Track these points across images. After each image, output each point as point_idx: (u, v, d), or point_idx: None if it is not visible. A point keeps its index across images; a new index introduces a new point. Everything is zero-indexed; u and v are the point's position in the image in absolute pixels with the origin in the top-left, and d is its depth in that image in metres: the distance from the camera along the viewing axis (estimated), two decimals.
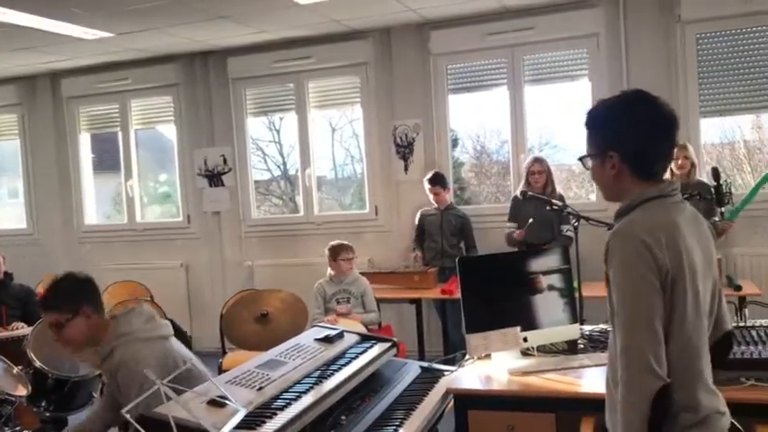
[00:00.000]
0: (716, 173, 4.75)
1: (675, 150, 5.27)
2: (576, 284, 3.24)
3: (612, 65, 5.60)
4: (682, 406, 1.72)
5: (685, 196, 3.67)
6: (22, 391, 3.07)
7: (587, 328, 3.32)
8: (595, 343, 3.12)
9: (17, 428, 3.06)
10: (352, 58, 6.25)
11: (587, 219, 3.87)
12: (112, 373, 2.61)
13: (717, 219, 4.84)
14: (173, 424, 1.82)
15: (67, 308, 2.65)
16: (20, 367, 3.27)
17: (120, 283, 6.42)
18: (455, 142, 6.43)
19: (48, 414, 3.34)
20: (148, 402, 1.93)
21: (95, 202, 7.68)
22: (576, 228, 3.89)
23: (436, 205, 5.74)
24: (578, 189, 6.52)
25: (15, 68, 6.98)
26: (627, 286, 1.70)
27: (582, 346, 3.06)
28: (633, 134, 1.80)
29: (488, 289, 2.95)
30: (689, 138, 5.31)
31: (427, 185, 5.72)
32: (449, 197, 5.84)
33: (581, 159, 1.94)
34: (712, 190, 4.76)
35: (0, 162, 8.19)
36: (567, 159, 6.53)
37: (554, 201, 4.30)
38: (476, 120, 6.39)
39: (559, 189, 5.52)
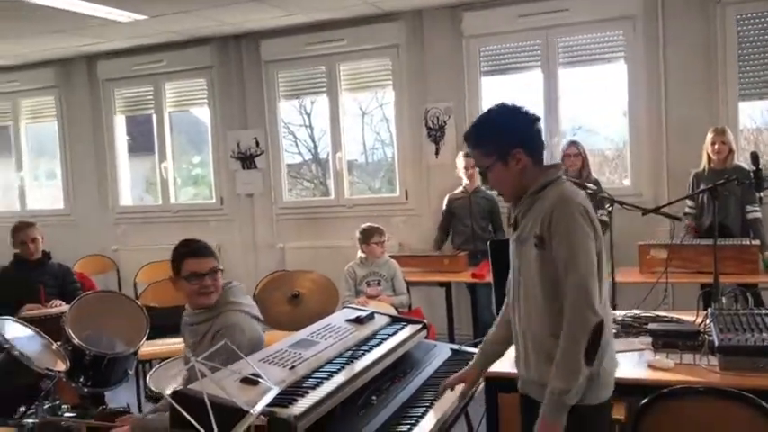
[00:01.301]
0: (755, 157, 4.64)
1: (712, 135, 5.14)
2: (608, 269, 3.22)
3: (649, 47, 5.49)
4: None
5: (722, 181, 3.60)
6: (61, 366, 3.14)
7: (619, 313, 3.29)
8: (627, 328, 3.10)
9: (57, 402, 3.14)
10: (384, 41, 6.23)
11: (621, 203, 3.83)
12: (212, 334, 2.68)
13: (757, 207, 4.77)
14: (207, 400, 1.85)
15: None
16: (59, 343, 3.34)
17: (155, 263, 6.53)
18: None
19: (86, 389, 3.42)
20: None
21: (130, 183, 7.79)
22: (609, 212, 3.85)
23: (464, 186, 5.70)
24: (611, 174, 6.44)
25: (53, 51, 7.08)
26: (576, 242, 2.05)
27: (614, 331, 3.04)
28: (528, 130, 2.21)
29: None
30: (727, 122, 5.21)
31: (463, 163, 5.66)
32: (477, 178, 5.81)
33: (483, 173, 2.27)
34: (751, 175, 4.66)
35: (38, 144, 8.34)
36: (600, 144, 6.45)
37: (588, 185, 4.26)
38: (513, 103, 6.32)
39: (593, 173, 5.46)
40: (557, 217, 2.08)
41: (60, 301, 4.70)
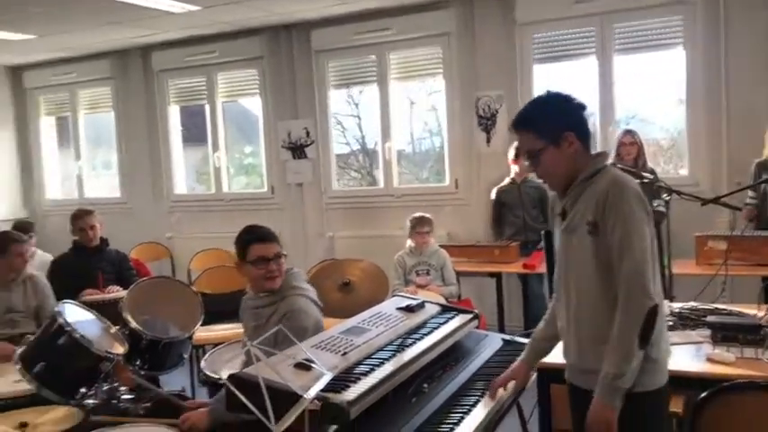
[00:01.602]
0: None
1: None
2: (665, 261, 3.14)
3: (709, 32, 5.32)
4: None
5: None
6: (119, 349, 3.22)
7: (676, 305, 3.22)
8: (685, 320, 3.03)
9: (115, 384, 3.22)
10: (435, 29, 6.19)
11: (680, 193, 3.71)
12: (279, 317, 2.75)
13: None
14: (263, 384, 1.88)
15: None
16: (117, 327, 3.43)
17: (208, 251, 6.66)
18: None
19: (142, 372, 3.50)
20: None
21: (184, 172, 7.94)
22: (667, 202, 3.75)
23: (513, 176, 5.64)
24: (666, 164, 6.29)
25: (109, 43, 7.25)
26: (632, 225, 2.04)
27: (670, 323, 2.97)
28: (579, 116, 2.21)
29: None
30: None
31: (515, 152, 5.58)
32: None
33: (533, 158, 2.21)
34: None
35: (96, 134, 8.56)
36: (654, 133, 6.29)
37: (645, 174, 4.15)
38: (561, 91, 6.21)
39: (649, 163, 5.33)
40: (611, 201, 2.07)
41: (118, 287, 4.82)
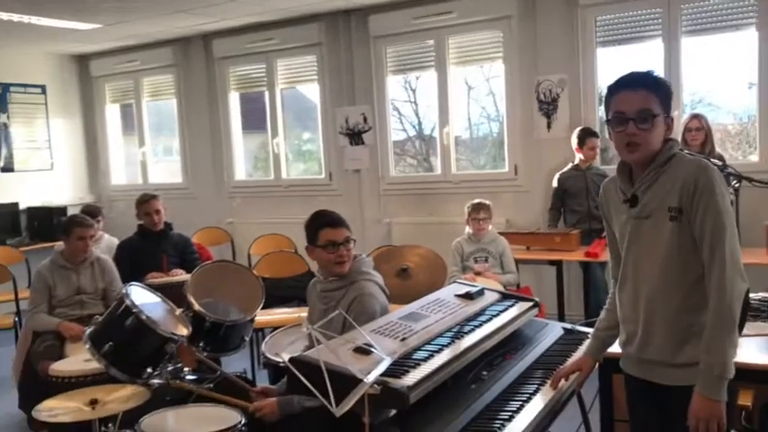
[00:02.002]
0: None
1: None
2: None
3: None
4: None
5: None
6: (183, 331, 3.30)
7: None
8: (755, 311, 2.92)
9: (178, 365, 3.31)
10: (495, 12, 6.09)
11: (750, 179, 3.59)
12: (349, 301, 2.82)
13: None
14: (324, 368, 1.90)
15: None
16: (181, 310, 3.51)
17: (267, 235, 6.76)
18: (600, 100, 6.14)
19: (205, 354, 3.58)
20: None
21: (243, 158, 8.06)
22: (736, 190, 3.63)
23: (578, 162, 5.53)
24: (734, 150, 6.07)
25: (172, 31, 7.39)
26: (724, 210, 2.03)
27: None
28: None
29: None
30: None
31: (578, 138, 5.50)
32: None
33: (646, 119, 2.10)
34: None
35: (158, 120, 8.76)
36: (722, 118, 6.08)
37: (713, 160, 4.02)
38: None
39: (717, 149, 5.16)
40: (702, 185, 2.03)
41: (181, 270, 4.94)
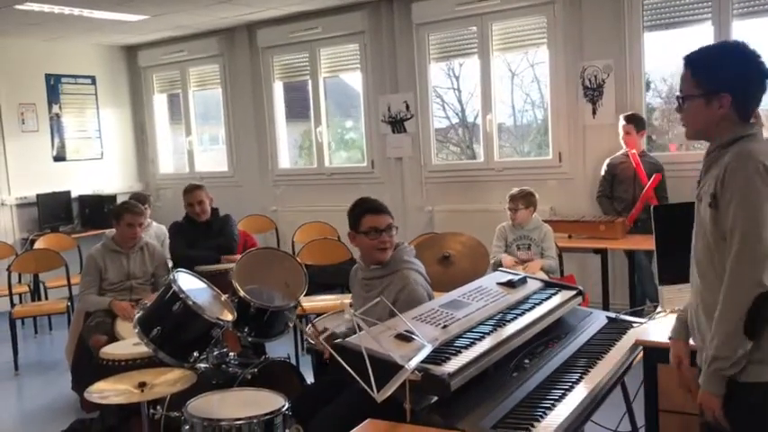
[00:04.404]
0: None
1: None
2: None
3: None
4: None
5: None
6: (228, 316, 3.37)
7: None
8: None
9: (224, 350, 3.38)
10: None
11: None
12: (396, 289, 2.86)
13: None
14: (365, 354, 1.92)
15: None
16: (227, 295, 3.58)
17: (311, 223, 6.82)
18: (647, 85, 6.01)
19: (249, 339, 3.66)
20: None
21: (287, 147, 8.14)
22: None
23: (625, 149, 5.44)
24: None
25: (217, 21, 7.48)
26: (748, 202, 1.90)
27: None
28: (747, 79, 2.00)
29: (685, 240, 2.76)
30: None
31: (622, 122, 5.42)
32: (642, 142, 5.51)
33: (682, 99, 2.07)
34: None
35: (204, 110, 8.90)
36: None
37: None
38: (672, 60, 5.92)
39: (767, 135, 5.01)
40: (730, 173, 1.94)
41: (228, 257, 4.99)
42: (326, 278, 5.65)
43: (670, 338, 2.29)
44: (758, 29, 5.39)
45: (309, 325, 3.22)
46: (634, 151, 5.34)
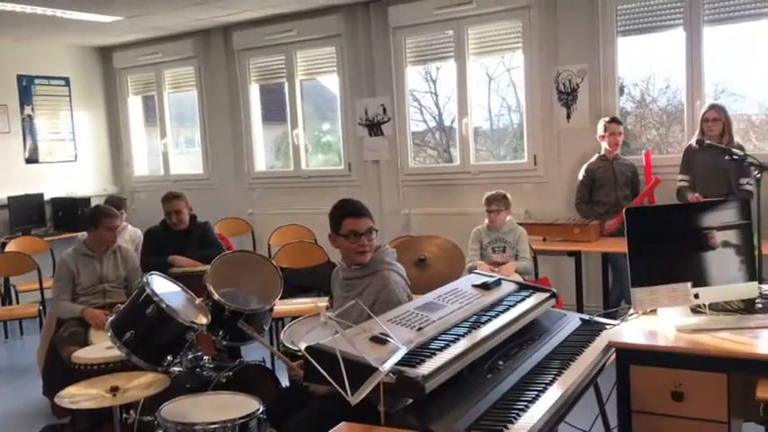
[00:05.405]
0: None
1: None
2: (755, 241, 3.01)
3: None
4: None
5: None
6: (203, 320, 3.34)
7: (767, 287, 3.08)
8: None
9: (198, 353, 3.35)
10: (515, 2, 6.05)
11: None
12: (375, 290, 2.85)
13: None
14: (339, 357, 1.92)
15: None
16: (201, 299, 3.55)
17: (287, 226, 6.80)
18: (621, 90, 6.08)
19: (224, 343, 3.63)
20: None
21: (263, 150, 8.10)
22: (758, 180, 3.58)
23: (604, 152, 5.49)
24: (759, 141, 5.98)
25: (193, 23, 7.44)
26: None
27: (760, 305, 2.85)
28: None
29: (657, 242, 2.81)
30: None
31: (603, 125, 5.48)
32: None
33: None
34: None
35: (179, 112, 8.83)
36: (747, 108, 5.99)
37: (734, 150, 3.98)
38: (644, 65, 6.00)
39: (738, 140, 5.09)
40: None
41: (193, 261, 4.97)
42: (302, 281, 5.64)
43: None
44: (728, 35, 5.49)
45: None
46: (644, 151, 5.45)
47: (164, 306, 3.15)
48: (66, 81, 8.42)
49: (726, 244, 2.81)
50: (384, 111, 6.92)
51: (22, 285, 6.54)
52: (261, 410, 2.66)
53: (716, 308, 2.85)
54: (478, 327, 2.52)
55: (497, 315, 2.68)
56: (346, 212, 2.96)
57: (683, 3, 5.45)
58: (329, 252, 5.14)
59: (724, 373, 2.41)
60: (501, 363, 2.47)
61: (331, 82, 7.68)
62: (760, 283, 3.11)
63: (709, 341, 2.53)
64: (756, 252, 3.07)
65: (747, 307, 2.84)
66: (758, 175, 3.55)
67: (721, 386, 2.41)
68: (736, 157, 3.86)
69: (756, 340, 2.50)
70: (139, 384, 2.81)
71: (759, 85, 5.74)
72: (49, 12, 6.39)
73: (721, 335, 2.57)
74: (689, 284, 2.74)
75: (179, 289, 3.48)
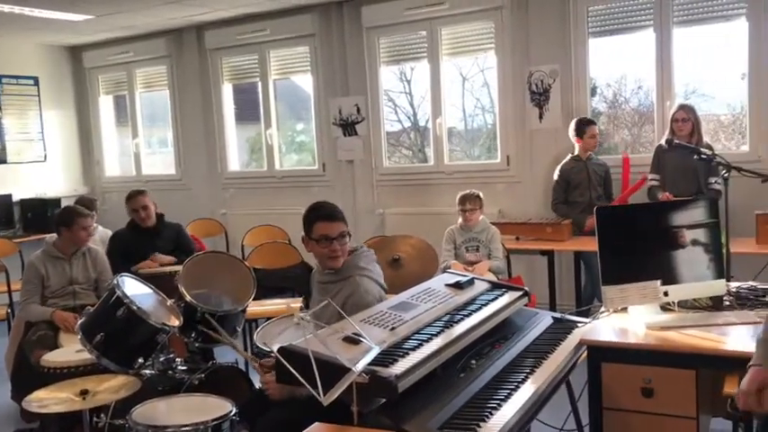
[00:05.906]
0: None
1: None
2: (723, 239, 3.06)
3: None
4: None
5: None
6: (174, 322, 3.31)
7: (734, 284, 3.14)
8: (743, 300, 2.95)
9: (170, 356, 3.32)
10: (487, 3, 6.08)
11: (740, 169, 3.61)
12: (344, 297, 2.82)
13: None
14: (312, 357, 1.91)
15: None
16: (173, 300, 3.52)
17: (261, 226, 6.76)
18: (593, 90, 6.15)
19: (196, 345, 3.60)
20: None
21: (237, 149, 8.05)
22: (726, 179, 3.64)
23: (578, 153, 5.54)
24: (727, 141, 6.08)
25: (165, 22, 7.36)
26: None
27: (728, 303, 2.90)
28: None
29: (627, 241, 2.84)
30: None
31: (581, 129, 5.50)
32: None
33: None
34: None
35: (151, 112, 8.74)
36: (716, 108, 6.09)
37: (702, 149, 4.04)
38: (616, 66, 6.07)
39: (707, 140, 5.18)
40: None
41: (172, 258, 4.94)
42: (277, 282, 5.61)
43: (752, 366, 2.05)
44: (697, 36, 5.57)
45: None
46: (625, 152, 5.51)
47: (134, 308, 3.12)
48: (36, 80, 8.28)
49: (695, 242, 2.86)
50: (358, 110, 6.91)
51: None
52: (234, 412, 2.64)
53: (685, 305, 2.90)
54: (451, 326, 2.53)
55: (470, 314, 2.69)
56: (318, 216, 2.92)
57: (652, 4, 5.53)
58: (303, 253, 5.12)
59: (693, 369, 2.45)
60: (474, 362, 2.48)
61: (305, 81, 7.66)
62: (728, 280, 3.17)
63: (678, 338, 2.56)
64: (724, 250, 3.12)
65: (715, 304, 2.90)
66: (726, 175, 3.61)
67: (690, 382, 2.45)
68: (704, 157, 3.92)
69: (724, 337, 2.54)
70: (110, 387, 2.78)
71: (728, 85, 5.84)
72: (17, 10, 6.28)
73: (690, 332, 2.61)
74: (658, 282, 2.78)
75: (150, 291, 3.45)
